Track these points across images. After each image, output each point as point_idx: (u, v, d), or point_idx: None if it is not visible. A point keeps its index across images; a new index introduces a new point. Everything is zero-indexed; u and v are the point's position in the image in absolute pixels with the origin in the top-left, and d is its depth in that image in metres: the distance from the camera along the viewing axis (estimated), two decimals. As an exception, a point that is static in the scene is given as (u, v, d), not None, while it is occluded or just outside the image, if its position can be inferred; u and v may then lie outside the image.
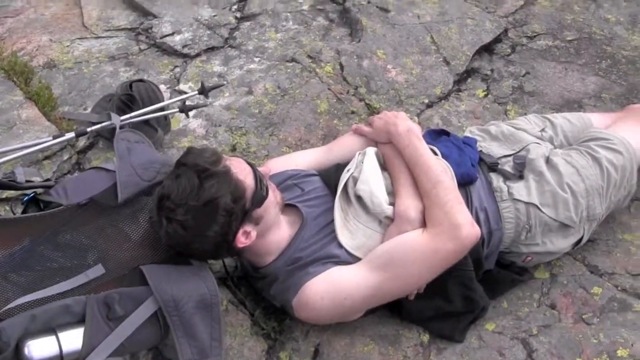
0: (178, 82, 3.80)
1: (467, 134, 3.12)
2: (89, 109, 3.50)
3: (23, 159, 3.08)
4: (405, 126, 2.73)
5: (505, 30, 4.31)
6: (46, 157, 3.19)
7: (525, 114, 3.57)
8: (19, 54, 3.90)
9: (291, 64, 3.94)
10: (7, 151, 3.00)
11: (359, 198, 2.58)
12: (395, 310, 2.70)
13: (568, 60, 4.10)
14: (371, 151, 2.75)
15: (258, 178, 2.42)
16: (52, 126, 3.35)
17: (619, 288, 2.86)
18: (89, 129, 3.08)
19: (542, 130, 3.11)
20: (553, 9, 4.50)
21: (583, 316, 2.75)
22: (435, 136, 2.99)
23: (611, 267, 2.94)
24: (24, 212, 2.52)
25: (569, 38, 4.26)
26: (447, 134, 3.01)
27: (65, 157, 3.23)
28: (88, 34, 4.15)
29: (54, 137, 3.04)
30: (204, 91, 3.29)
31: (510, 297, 2.85)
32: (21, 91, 3.56)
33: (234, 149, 3.39)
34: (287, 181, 2.76)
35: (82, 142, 3.31)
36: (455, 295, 2.63)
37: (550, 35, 4.29)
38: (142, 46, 4.08)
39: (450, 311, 2.66)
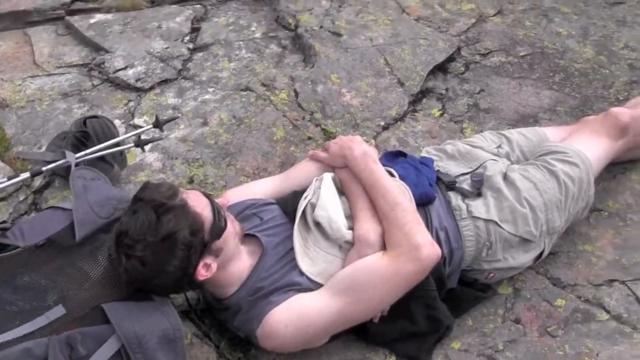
0: (133, 116, 3.78)
1: (423, 154, 3.13)
2: (44, 148, 3.47)
3: (-22, 202, 3.05)
4: (361, 150, 2.74)
5: (458, 49, 4.34)
6: (1, 199, 3.17)
7: (482, 131, 3.59)
8: (-30, 95, 3.87)
9: (245, 93, 3.94)
10: (-39, 195, 2.96)
11: (317, 224, 2.58)
12: (361, 334, 2.69)
13: (522, 76, 4.14)
14: (328, 177, 2.75)
15: (216, 210, 2.42)
16: (7, 167, 3.30)
17: (582, 299, 2.87)
18: (44, 168, 3.04)
19: (499, 146, 3.13)
20: (505, 25, 4.55)
21: (548, 329, 2.77)
22: (392, 158, 3.00)
23: (573, 278, 2.96)
24: (-20, 255, 2.50)
25: (521, 53, 4.30)
26: (404, 155, 3.02)
27: (21, 197, 3.20)
28: (40, 72, 4.13)
29: (9, 178, 3.00)
30: (158, 124, 3.27)
31: (475, 314, 2.85)
32: (-27, 133, 3.52)
33: (191, 181, 3.38)
34: (246, 211, 2.75)
35: (37, 182, 3.29)
36: (419, 316, 2.63)
37: (503, 51, 4.33)
38: (95, 82, 4.06)
39: (415, 332, 2.66)
